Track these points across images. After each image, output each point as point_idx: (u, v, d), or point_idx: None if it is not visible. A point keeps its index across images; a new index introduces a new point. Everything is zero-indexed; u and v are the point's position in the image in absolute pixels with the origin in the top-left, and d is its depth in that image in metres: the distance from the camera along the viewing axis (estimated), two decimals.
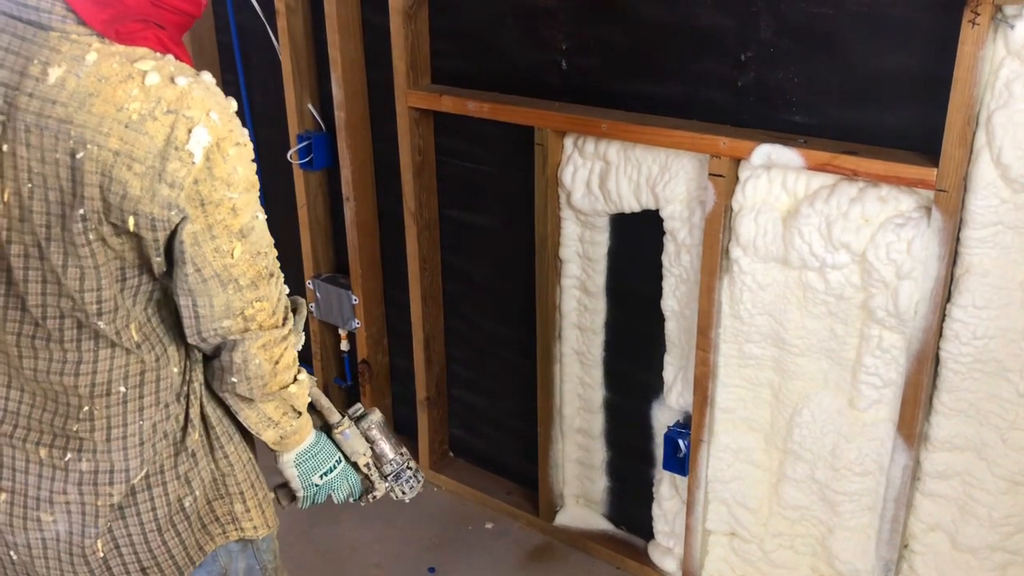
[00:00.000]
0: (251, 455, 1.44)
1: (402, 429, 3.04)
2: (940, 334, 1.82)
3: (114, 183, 1.08)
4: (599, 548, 2.57)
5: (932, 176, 1.71)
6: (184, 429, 1.34)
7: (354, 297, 2.84)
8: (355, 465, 1.50)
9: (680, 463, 2.27)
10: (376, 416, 1.52)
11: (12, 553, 1.33)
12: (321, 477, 1.45)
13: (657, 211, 2.13)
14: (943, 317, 1.81)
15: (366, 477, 1.51)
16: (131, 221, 1.11)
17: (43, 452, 1.30)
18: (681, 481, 2.32)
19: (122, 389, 1.26)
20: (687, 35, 2.01)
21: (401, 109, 2.47)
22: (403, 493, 1.55)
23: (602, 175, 2.18)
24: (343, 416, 1.48)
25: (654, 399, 2.38)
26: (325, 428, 1.48)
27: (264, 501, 1.44)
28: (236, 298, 1.21)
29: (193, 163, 1.09)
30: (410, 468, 1.54)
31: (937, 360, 1.85)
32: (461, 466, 2.92)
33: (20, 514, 1.31)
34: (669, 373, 2.29)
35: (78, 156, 1.07)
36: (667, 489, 2.38)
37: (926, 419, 1.92)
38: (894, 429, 1.95)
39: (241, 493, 1.41)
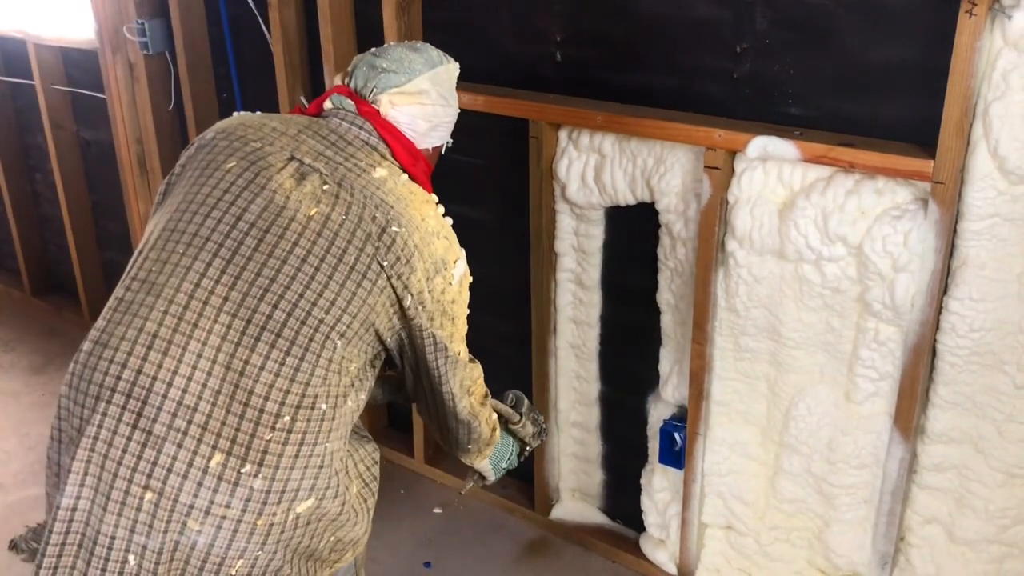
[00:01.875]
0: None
1: (397, 423, 3.03)
2: (937, 327, 1.82)
3: (408, 265, 1.39)
4: (595, 542, 2.56)
5: (929, 168, 1.70)
6: (345, 478, 1.40)
7: None
8: (521, 439, 1.86)
9: (676, 457, 2.26)
10: (526, 399, 1.86)
11: (131, 557, 1.25)
12: (506, 462, 1.81)
13: (652, 204, 2.12)
14: (940, 310, 1.80)
15: (524, 442, 1.87)
16: (407, 299, 1.39)
17: (216, 459, 1.25)
18: (673, 473, 2.32)
19: (323, 406, 1.33)
20: (682, 27, 2.00)
21: None
22: (541, 442, 1.93)
23: (597, 168, 2.17)
24: (520, 416, 1.82)
25: (650, 393, 2.37)
26: (501, 422, 1.80)
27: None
28: (466, 376, 1.53)
29: (450, 284, 1.45)
30: (544, 424, 1.91)
31: (934, 353, 1.85)
32: (457, 460, 2.89)
33: (165, 517, 1.25)
34: (665, 366, 2.28)
35: (393, 227, 1.38)
36: (659, 481, 2.37)
37: (923, 412, 1.91)
38: (890, 422, 1.94)
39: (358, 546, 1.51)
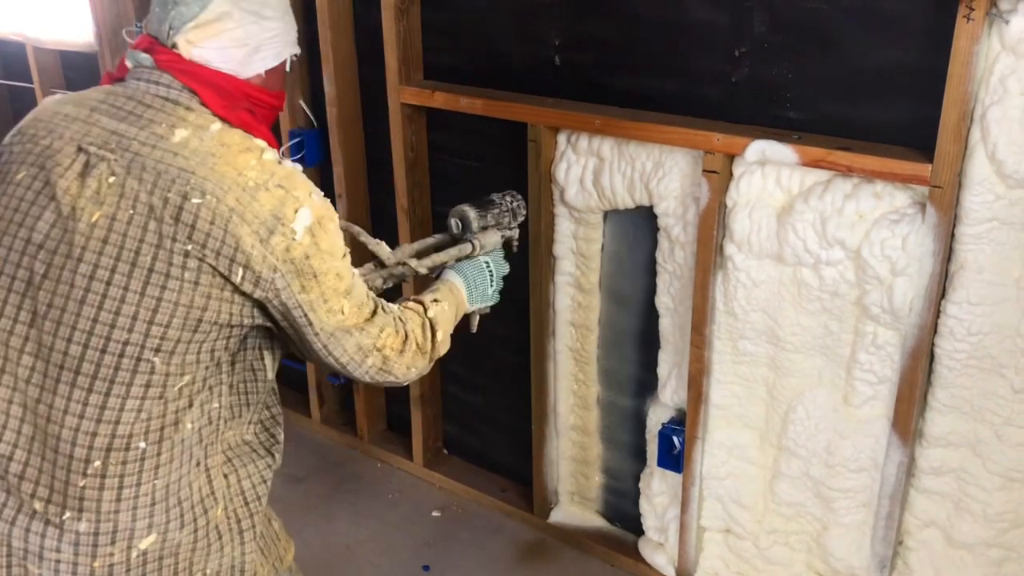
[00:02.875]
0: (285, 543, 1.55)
1: (396, 427, 3.03)
2: (935, 330, 1.82)
3: (228, 235, 1.19)
4: (593, 545, 2.56)
5: (927, 172, 1.70)
6: (205, 501, 1.31)
7: None
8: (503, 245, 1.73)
9: (675, 460, 2.26)
10: (470, 210, 1.69)
11: None
12: (491, 285, 1.66)
13: (651, 208, 2.12)
14: (938, 313, 1.80)
15: (505, 246, 1.74)
16: (239, 274, 1.21)
17: (38, 506, 1.23)
18: (672, 476, 2.32)
19: (142, 444, 1.22)
20: (681, 30, 2.00)
21: (393, 105, 2.45)
22: (525, 216, 1.78)
23: (596, 171, 2.17)
24: (471, 245, 1.67)
25: (648, 396, 2.37)
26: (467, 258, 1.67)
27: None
28: (364, 338, 1.32)
29: (294, 239, 1.23)
30: (515, 201, 1.76)
31: (932, 356, 1.85)
32: (456, 463, 2.90)
33: (3, 563, 1.24)
34: (663, 370, 2.28)
35: (193, 200, 1.19)
36: (657, 484, 2.37)
37: (921, 416, 1.92)
38: (889, 426, 1.95)
39: None
